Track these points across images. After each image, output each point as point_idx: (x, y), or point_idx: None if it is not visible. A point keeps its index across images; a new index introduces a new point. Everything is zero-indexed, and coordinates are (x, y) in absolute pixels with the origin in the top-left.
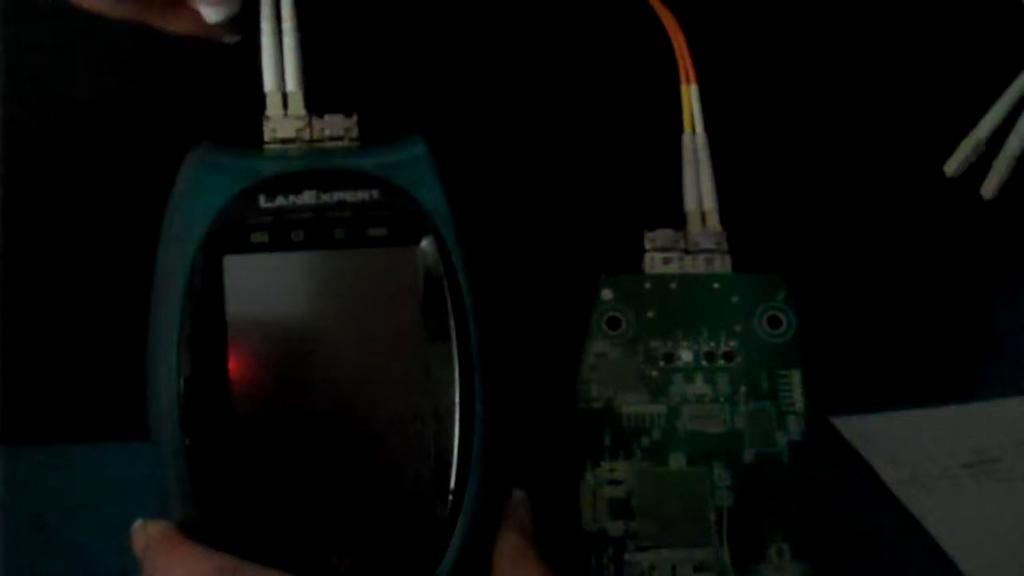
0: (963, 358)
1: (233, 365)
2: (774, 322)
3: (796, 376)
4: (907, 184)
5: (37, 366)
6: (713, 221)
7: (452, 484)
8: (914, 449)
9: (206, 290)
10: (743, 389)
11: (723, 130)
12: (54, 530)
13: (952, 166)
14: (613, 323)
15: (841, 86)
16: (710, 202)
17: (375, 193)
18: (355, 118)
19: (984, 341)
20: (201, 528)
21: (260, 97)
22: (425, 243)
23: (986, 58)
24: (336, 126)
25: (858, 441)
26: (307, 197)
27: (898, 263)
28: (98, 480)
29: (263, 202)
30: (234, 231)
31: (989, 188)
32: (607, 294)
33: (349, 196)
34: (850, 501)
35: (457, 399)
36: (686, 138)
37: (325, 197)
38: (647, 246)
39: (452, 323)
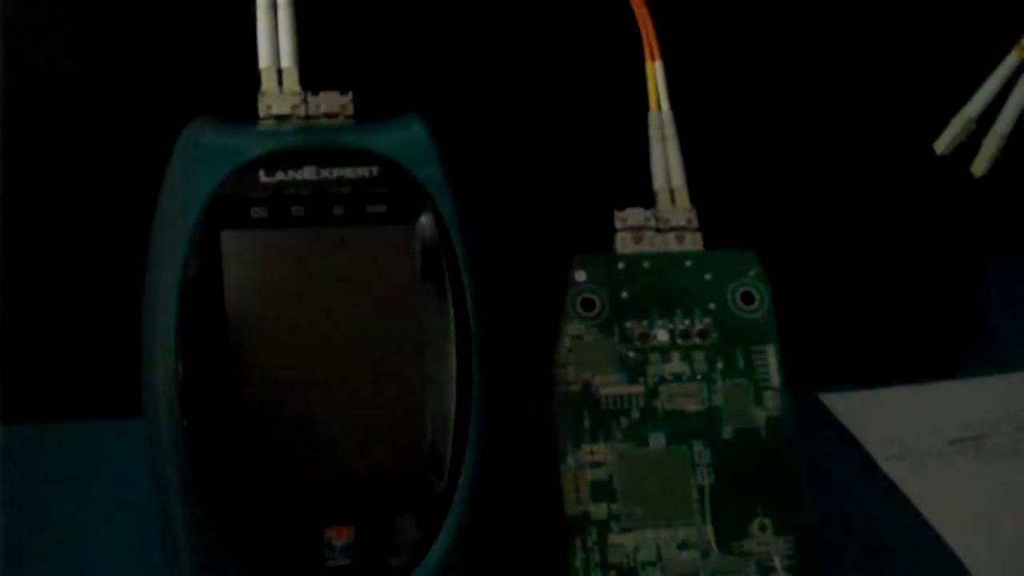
0: (950, 335)
1: (232, 342)
2: (747, 298)
3: (772, 351)
4: (892, 160)
5: (29, 343)
6: (683, 199)
7: (450, 456)
8: (901, 425)
9: (204, 266)
10: (719, 366)
11: (690, 106)
12: (49, 509)
13: (942, 144)
14: (587, 305)
15: (820, 60)
16: (679, 180)
17: (374, 170)
18: (350, 95)
19: (971, 319)
20: (198, 506)
21: (255, 74)
22: (423, 220)
23: (977, 35)
24: (332, 103)
25: (846, 417)
26: (307, 173)
27: (884, 240)
28: (92, 458)
29: (263, 177)
30: (233, 205)
31: (980, 166)
32: (580, 275)
33: (349, 173)
34: (838, 477)
35: (454, 375)
36: (652, 116)
37: (325, 173)
38: (618, 226)
39: (450, 300)
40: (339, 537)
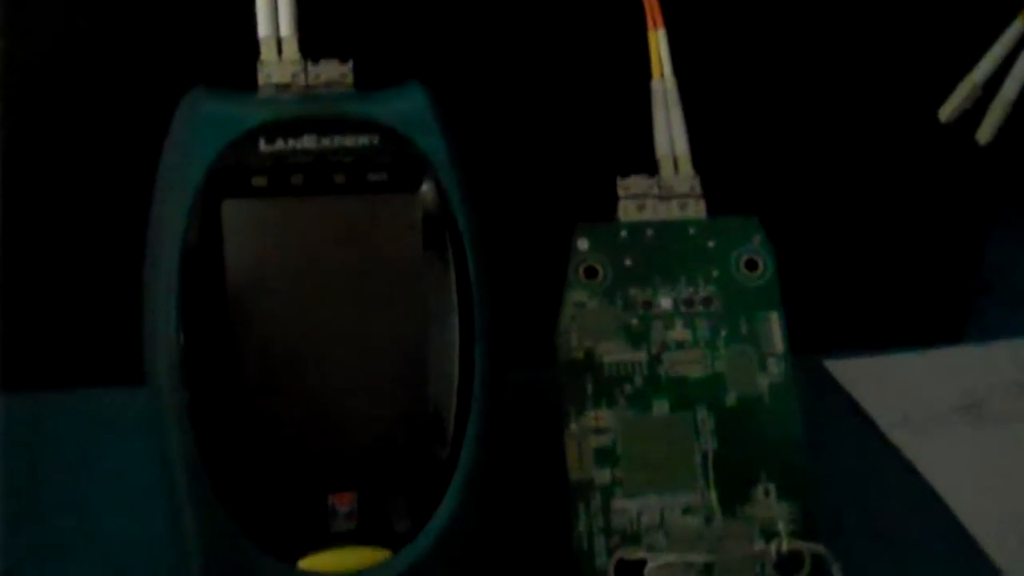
0: (954, 300)
1: (233, 312)
2: (751, 265)
3: (775, 318)
4: (896, 125)
5: (30, 311)
6: (686, 165)
7: (452, 424)
8: (905, 391)
9: (205, 236)
10: (723, 333)
11: (693, 74)
12: (51, 480)
13: (947, 112)
14: (590, 272)
15: (824, 26)
16: (682, 147)
17: (375, 139)
18: (351, 64)
19: (975, 284)
20: (203, 475)
21: (254, 43)
22: (426, 189)
23: (982, 1)
24: (331, 71)
25: (850, 383)
26: (307, 142)
27: (888, 206)
28: (96, 427)
29: (263, 146)
30: (234, 175)
31: (985, 133)
32: (583, 243)
33: (350, 141)
34: (841, 444)
35: (457, 344)
36: (655, 83)
37: (325, 142)
38: (620, 194)
39: (452, 268)
40: (343, 503)
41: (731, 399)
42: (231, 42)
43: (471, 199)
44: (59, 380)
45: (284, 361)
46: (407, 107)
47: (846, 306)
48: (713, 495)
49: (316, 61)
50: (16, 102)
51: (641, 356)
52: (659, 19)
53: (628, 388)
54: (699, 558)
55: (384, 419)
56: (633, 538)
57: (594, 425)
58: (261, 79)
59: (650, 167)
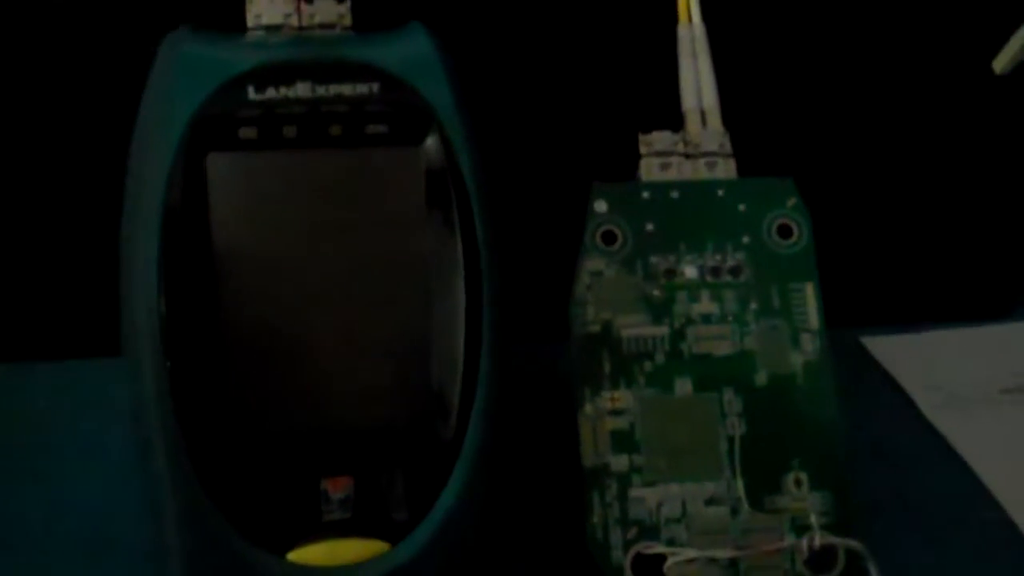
0: (1003, 274)
1: (219, 276)
2: (784, 231)
3: (810, 289)
4: (945, 79)
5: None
6: (715, 120)
7: (457, 401)
8: (949, 371)
9: (188, 192)
10: (753, 306)
11: (723, 19)
12: (22, 454)
13: (1002, 62)
14: (608, 237)
15: None
16: (711, 99)
17: (375, 86)
18: (348, 3)
19: None
20: (184, 456)
21: None
22: (430, 142)
23: None
24: (327, 12)
25: (889, 362)
26: (300, 90)
27: (935, 169)
28: (68, 400)
29: (252, 94)
30: (219, 125)
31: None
32: (601, 205)
33: (347, 89)
34: (880, 427)
35: (463, 314)
36: (682, 29)
37: (320, 90)
38: (642, 151)
39: (458, 231)
40: (337, 489)
41: (761, 378)
42: None
43: (479, 154)
44: (26, 351)
45: (274, 332)
46: (410, 51)
47: (887, 277)
48: (740, 484)
49: (310, 0)
50: None
51: (663, 330)
52: None
53: (648, 365)
54: (724, 553)
55: (382, 396)
56: (652, 531)
57: (611, 406)
58: (250, 20)
59: (675, 122)
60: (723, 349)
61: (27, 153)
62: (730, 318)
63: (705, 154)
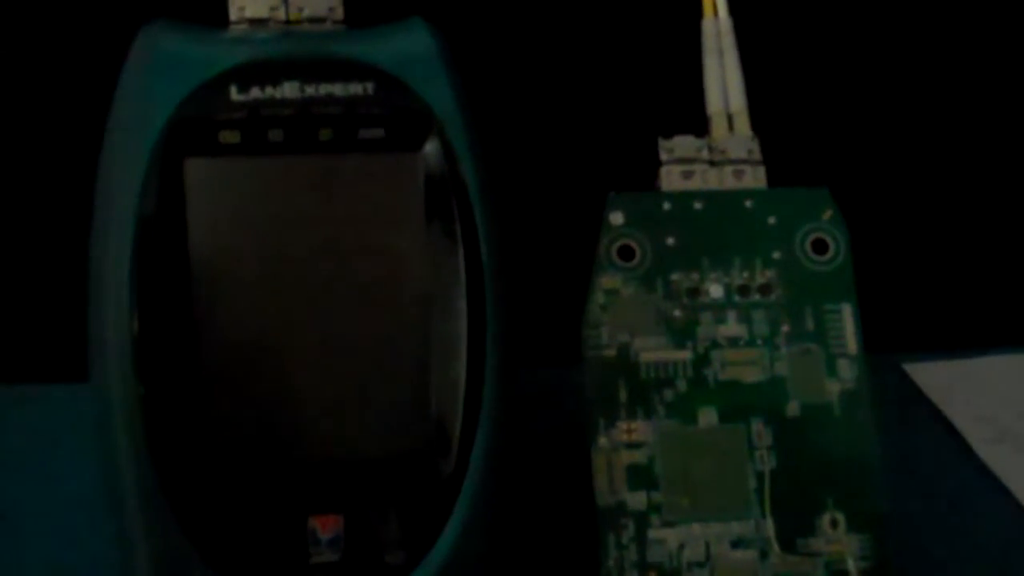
0: None
1: (197, 294)
2: (820, 246)
3: (847, 311)
4: (994, 83)
5: None
6: (742, 125)
7: (459, 432)
8: (1001, 402)
9: (164, 201)
10: (784, 329)
11: (752, 14)
12: None
13: None
14: (625, 253)
15: None
16: (738, 101)
17: (369, 86)
18: None
19: None
20: (158, 492)
21: None
22: (429, 148)
23: None
24: (317, 4)
25: (934, 391)
26: (288, 90)
27: (981, 182)
28: (30, 429)
29: (235, 94)
30: (199, 128)
31: None
32: (617, 217)
33: (338, 90)
34: (924, 463)
35: (465, 336)
36: (707, 24)
37: (310, 90)
38: (663, 157)
39: (460, 245)
40: (326, 528)
41: (793, 408)
42: None
43: (483, 161)
44: None
45: (257, 356)
46: (407, 48)
47: (931, 298)
48: (770, 525)
49: None
50: None
51: (685, 355)
52: None
53: (669, 394)
54: None
55: (376, 426)
56: (672, 575)
57: (627, 438)
58: (232, 13)
59: (699, 126)
60: (751, 376)
61: None
62: (759, 342)
63: (732, 161)
